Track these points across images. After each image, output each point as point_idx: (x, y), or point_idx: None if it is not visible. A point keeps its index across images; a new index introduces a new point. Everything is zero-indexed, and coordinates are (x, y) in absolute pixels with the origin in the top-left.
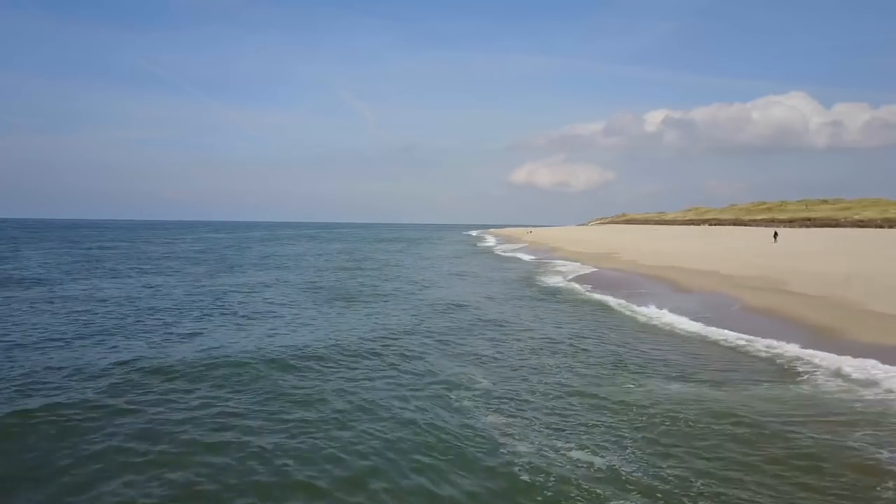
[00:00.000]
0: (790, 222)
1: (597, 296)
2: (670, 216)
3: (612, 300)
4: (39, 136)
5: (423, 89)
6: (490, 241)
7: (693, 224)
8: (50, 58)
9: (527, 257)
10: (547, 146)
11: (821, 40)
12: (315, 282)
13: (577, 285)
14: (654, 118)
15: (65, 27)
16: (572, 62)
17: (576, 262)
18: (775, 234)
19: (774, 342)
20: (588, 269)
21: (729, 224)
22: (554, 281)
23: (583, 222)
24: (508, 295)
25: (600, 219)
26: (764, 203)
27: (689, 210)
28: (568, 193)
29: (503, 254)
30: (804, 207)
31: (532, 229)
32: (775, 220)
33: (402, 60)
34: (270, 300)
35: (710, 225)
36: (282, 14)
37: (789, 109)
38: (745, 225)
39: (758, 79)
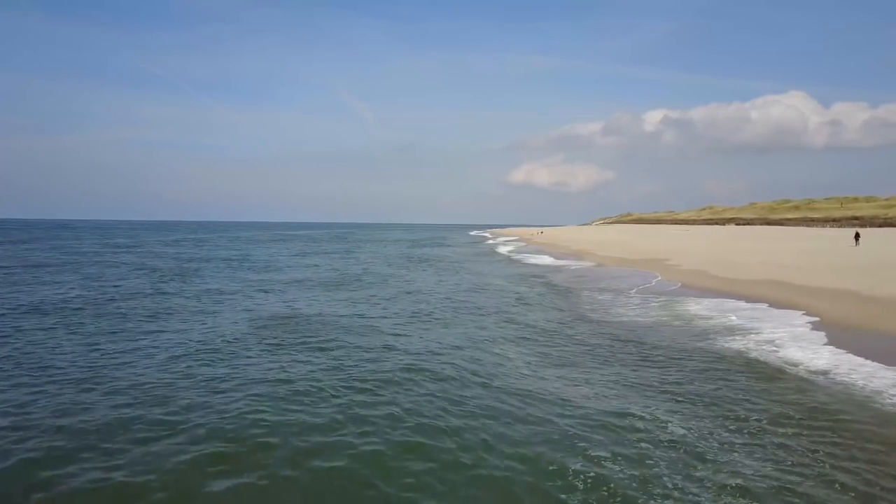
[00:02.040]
0: (835, 221)
1: (768, 352)
2: (683, 215)
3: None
4: (39, 136)
5: (423, 89)
6: (504, 243)
7: (714, 223)
8: (49, 58)
9: (576, 265)
10: (546, 146)
11: (820, 40)
12: (271, 324)
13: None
14: (653, 118)
15: (64, 28)
16: (571, 62)
17: (643, 273)
18: (857, 236)
19: None
20: (667, 286)
21: (759, 223)
22: (661, 315)
23: (585, 222)
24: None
25: (604, 218)
26: (789, 201)
27: (704, 209)
28: (567, 193)
29: (532, 262)
30: (839, 205)
31: (542, 229)
32: (810, 218)
33: (401, 60)
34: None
35: (737, 224)
36: (282, 14)
37: (788, 109)
38: (778, 224)
39: (756, 78)
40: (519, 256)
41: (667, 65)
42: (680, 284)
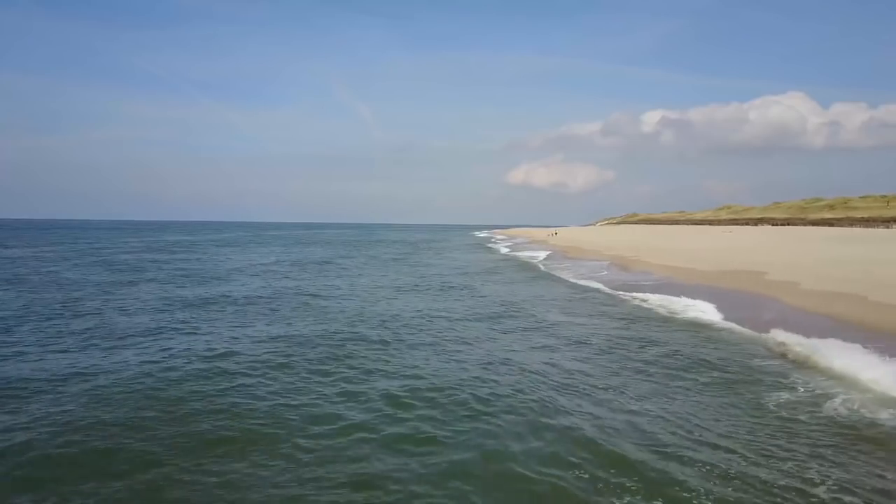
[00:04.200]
0: (893, 221)
1: None
2: (698, 216)
3: None
4: (33, 135)
5: (421, 88)
6: (519, 245)
7: (739, 224)
8: (44, 56)
9: (643, 280)
10: (544, 146)
11: (819, 40)
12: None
13: None
14: (651, 118)
15: (59, 25)
16: (570, 61)
17: (746, 297)
18: None
19: None
20: (815, 322)
21: (799, 224)
22: None
23: (589, 222)
24: None
25: (609, 219)
26: (820, 199)
27: (722, 209)
28: (566, 194)
29: (585, 274)
30: (885, 203)
31: (556, 230)
32: (860, 218)
33: (400, 59)
34: None
35: (773, 225)
36: (279, 13)
37: (787, 109)
38: (825, 224)
39: (755, 78)
40: (552, 266)
41: (665, 65)
42: (835, 320)
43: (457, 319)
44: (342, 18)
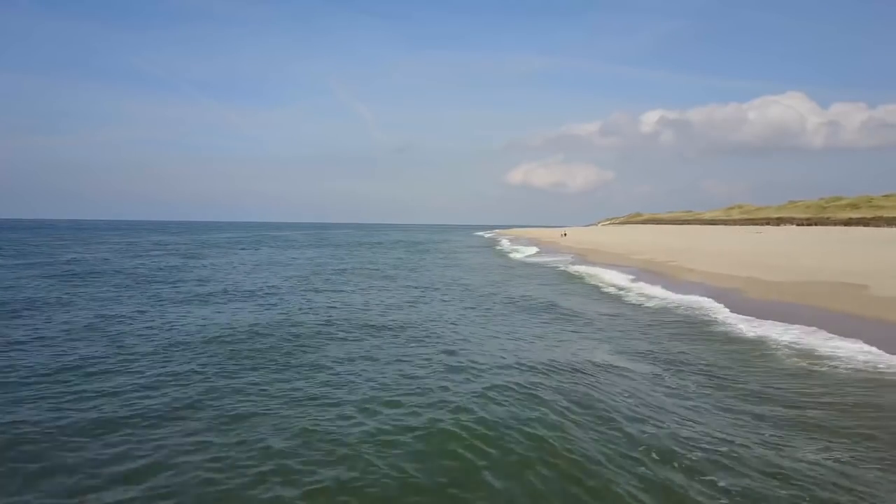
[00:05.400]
0: None
1: None
2: (707, 215)
3: None
4: (33, 135)
5: (421, 88)
6: (545, 248)
7: (761, 223)
8: (44, 56)
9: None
10: (544, 146)
11: (819, 40)
12: None
13: None
14: (650, 118)
15: (59, 25)
16: (569, 61)
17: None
18: None
19: None
20: None
21: (828, 224)
22: None
23: (590, 223)
24: None
25: (611, 219)
26: (841, 198)
27: (733, 208)
28: (565, 193)
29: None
30: None
31: (566, 230)
32: (893, 218)
33: (400, 59)
34: None
35: (798, 225)
36: (279, 13)
37: (786, 109)
38: (858, 225)
39: (755, 78)
40: (590, 274)
41: (665, 65)
42: None
43: (545, 372)
44: (342, 18)
